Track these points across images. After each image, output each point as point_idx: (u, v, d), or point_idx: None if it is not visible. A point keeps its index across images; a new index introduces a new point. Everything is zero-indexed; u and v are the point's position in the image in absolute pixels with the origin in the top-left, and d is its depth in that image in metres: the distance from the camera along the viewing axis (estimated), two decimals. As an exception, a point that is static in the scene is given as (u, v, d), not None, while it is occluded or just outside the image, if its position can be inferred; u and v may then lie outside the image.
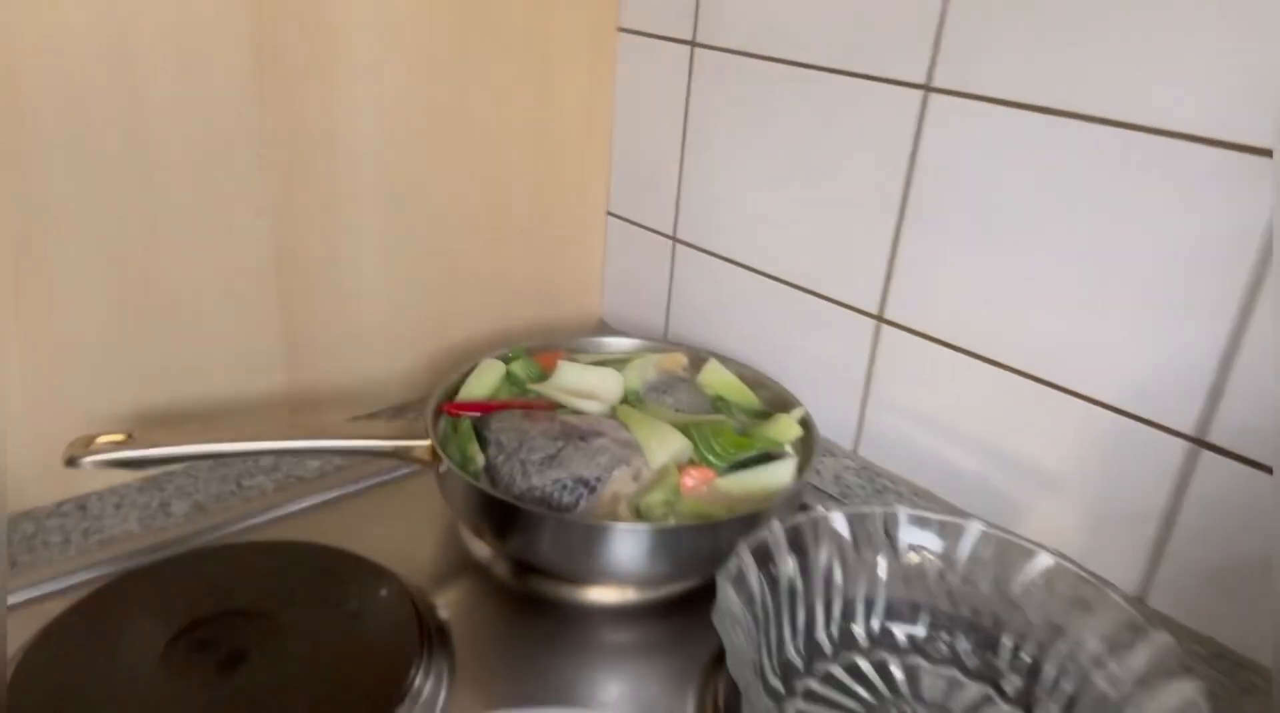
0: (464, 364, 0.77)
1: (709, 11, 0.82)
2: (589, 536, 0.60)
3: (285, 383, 0.79)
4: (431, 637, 0.59)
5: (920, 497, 0.75)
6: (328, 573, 0.62)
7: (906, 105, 0.69)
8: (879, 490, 0.77)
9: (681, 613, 0.65)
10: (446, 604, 0.63)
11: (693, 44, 0.84)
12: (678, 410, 0.76)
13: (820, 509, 0.59)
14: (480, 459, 0.67)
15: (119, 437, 0.60)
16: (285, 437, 0.63)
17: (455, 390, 0.75)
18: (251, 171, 0.71)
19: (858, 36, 0.71)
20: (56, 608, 0.57)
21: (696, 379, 0.80)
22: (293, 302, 0.77)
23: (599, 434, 0.68)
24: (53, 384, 0.67)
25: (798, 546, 0.57)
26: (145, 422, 0.72)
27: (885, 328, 0.75)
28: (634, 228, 0.96)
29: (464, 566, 0.67)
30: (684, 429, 0.70)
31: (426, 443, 0.66)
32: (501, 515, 0.62)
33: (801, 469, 0.68)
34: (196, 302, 0.72)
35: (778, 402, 0.77)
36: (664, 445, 0.67)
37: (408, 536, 0.69)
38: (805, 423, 0.73)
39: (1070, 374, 0.64)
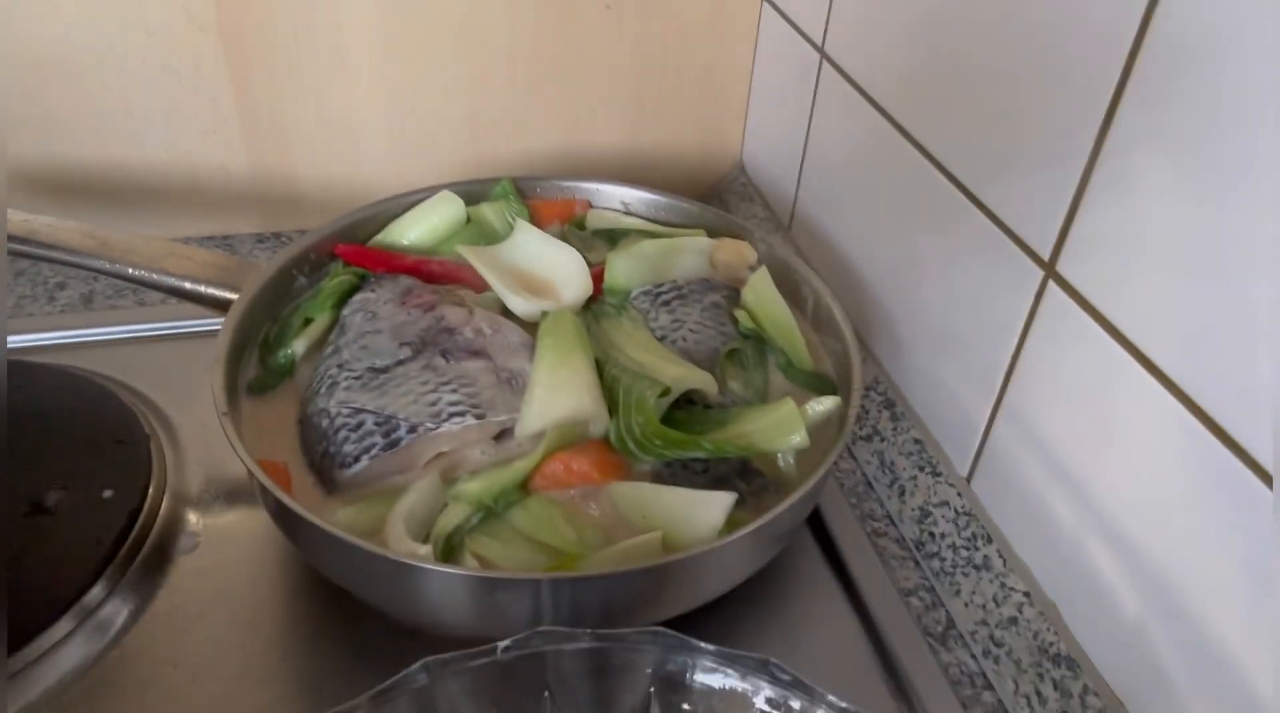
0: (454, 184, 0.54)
1: None
2: (308, 535, 0.36)
3: (248, 167, 0.62)
4: (131, 562, 0.42)
5: (1035, 608, 0.40)
6: (74, 439, 0.46)
7: None
8: (976, 567, 0.44)
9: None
10: (205, 521, 0.45)
11: None
12: (667, 341, 0.47)
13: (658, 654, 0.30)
14: (297, 347, 0.45)
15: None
16: (71, 247, 0.46)
17: (382, 224, 0.53)
18: None
19: None
20: None
21: (743, 296, 0.50)
22: (245, 57, 0.58)
23: (478, 354, 0.43)
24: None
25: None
26: (68, 187, 0.59)
27: (1053, 290, 0.38)
28: (788, 27, 0.61)
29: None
30: (613, 381, 0.42)
31: (231, 297, 0.45)
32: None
33: (748, 513, 0.37)
34: (111, 50, 0.55)
35: (842, 368, 0.45)
36: (553, 401, 0.41)
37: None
38: (839, 422, 0.41)
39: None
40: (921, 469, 0.48)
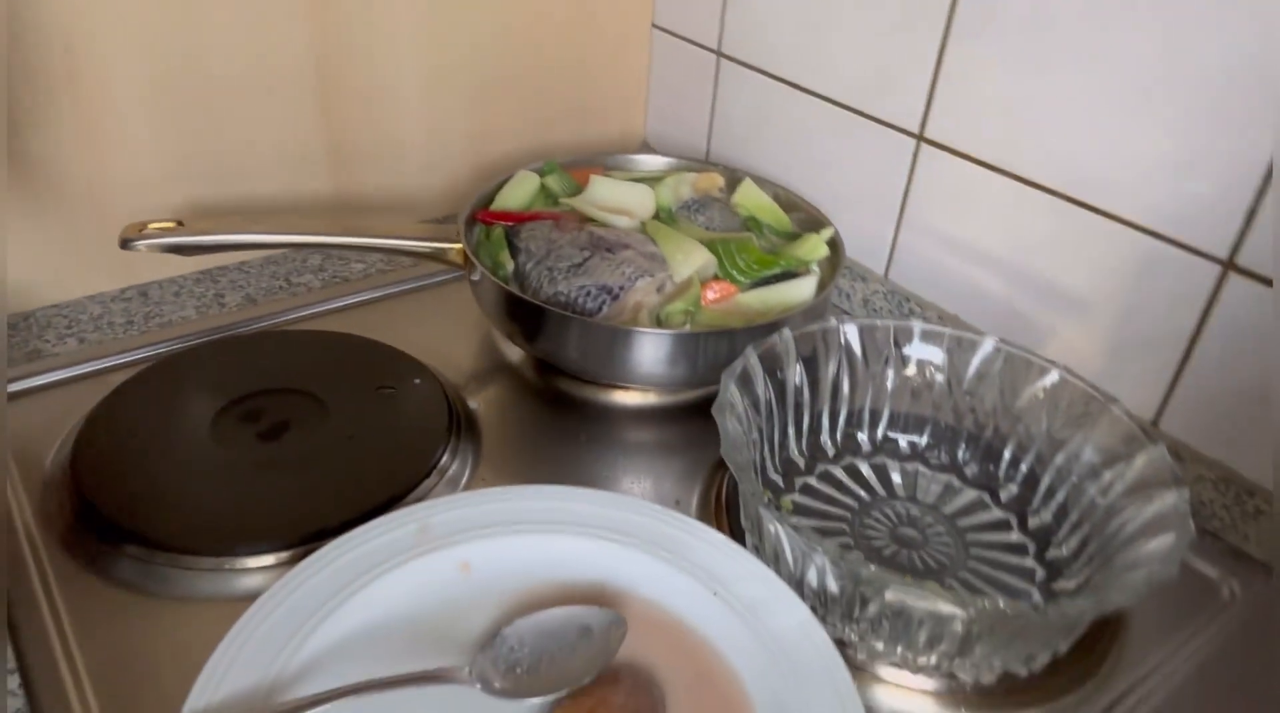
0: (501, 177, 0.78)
1: None
2: (610, 338, 0.62)
3: (330, 189, 0.82)
4: (460, 422, 0.63)
5: (946, 321, 0.75)
6: (367, 361, 0.66)
7: (965, -97, 0.65)
8: (906, 315, 0.78)
9: (695, 417, 0.67)
10: (476, 398, 0.67)
11: None
12: (708, 229, 0.76)
13: (833, 321, 0.60)
14: (510, 265, 0.69)
15: (170, 223, 0.63)
16: (326, 232, 0.66)
17: (490, 200, 0.76)
18: (288, -32, 0.71)
19: None
20: (119, 379, 0.63)
21: (731, 200, 0.80)
22: (333, 107, 0.78)
23: (626, 246, 0.69)
24: (107, 171, 0.70)
25: (807, 354, 0.59)
26: (194, 215, 0.75)
27: (925, 147, 0.73)
28: (679, 42, 0.93)
29: (494, 366, 0.71)
30: (710, 246, 0.71)
31: (458, 246, 0.68)
32: (530, 318, 0.64)
33: (822, 286, 0.68)
34: (240, 101, 0.73)
35: (810, 224, 0.77)
36: (688, 259, 0.69)
37: (443, 336, 0.73)
38: (833, 243, 0.73)
39: (1108, 195, 0.63)
40: (854, 280, 0.81)
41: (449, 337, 0.73)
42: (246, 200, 0.77)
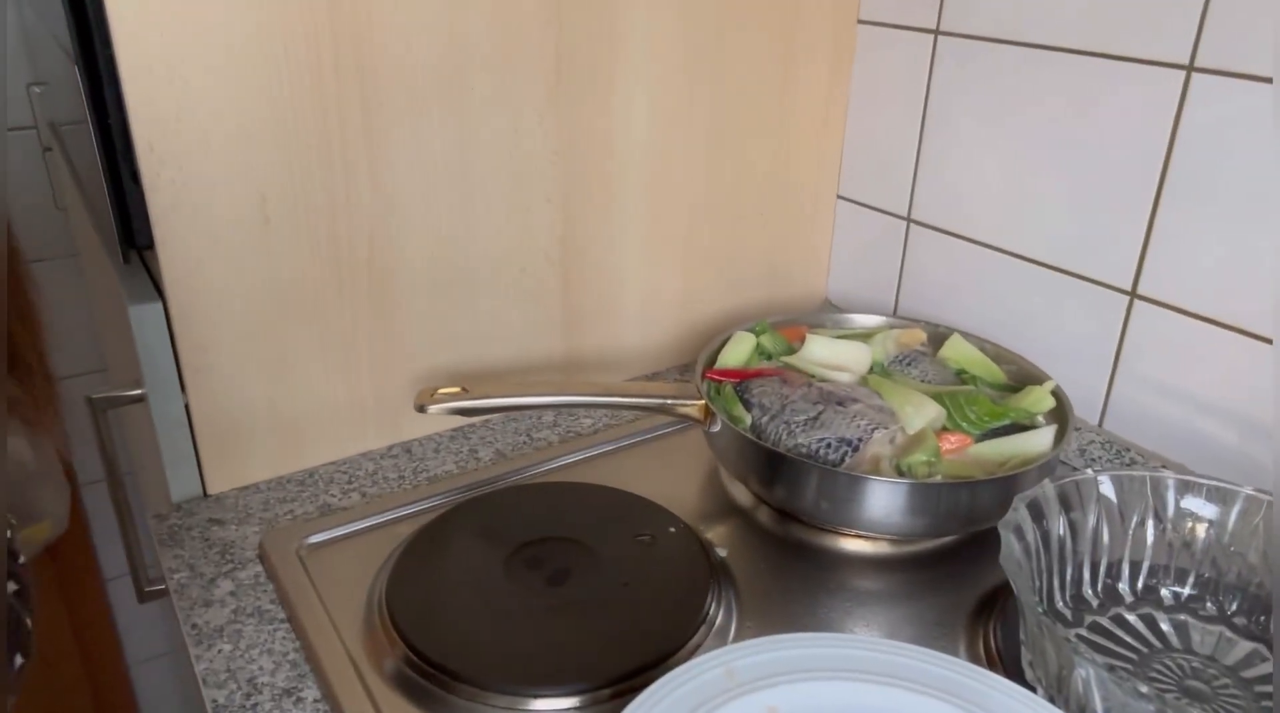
0: (705, 337, 0.85)
1: (955, 1, 0.86)
2: (856, 487, 0.66)
3: (562, 350, 0.89)
4: (716, 570, 0.66)
5: (1171, 469, 0.76)
6: (620, 510, 0.71)
7: (1168, 86, 0.71)
8: (1126, 464, 0.79)
9: (934, 566, 0.70)
10: (719, 542, 0.70)
11: (936, 32, 0.88)
12: (924, 382, 0.80)
13: (1089, 471, 0.62)
14: (747, 419, 0.74)
15: (455, 389, 0.71)
16: (587, 393, 0.72)
17: (713, 359, 0.82)
18: (546, 166, 0.81)
19: (1117, 17, 0.73)
20: (405, 530, 0.69)
21: (937, 354, 0.84)
22: (570, 279, 0.87)
23: (855, 400, 0.74)
24: (391, 347, 0.79)
25: (1067, 505, 0.61)
26: (456, 379, 0.83)
27: (1138, 303, 0.76)
28: (864, 210, 1.00)
29: (727, 509, 0.75)
30: (936, 398, 0.74)
31: (700, 402, 0.73)
32: (771, 467, 0.69)
33: (1059, 438, 0.71)
34: (497, 279, 0.83)
35: (1023, 376, 0.80)
36: (920, 411, 0.72)
37: (676, 483, 0.77)
38: (1057, 395, 0.76)
39: (1346, 348, 0.64)
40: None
41: (679, 483, 0.78)
42: (494, 366, 0.86)
